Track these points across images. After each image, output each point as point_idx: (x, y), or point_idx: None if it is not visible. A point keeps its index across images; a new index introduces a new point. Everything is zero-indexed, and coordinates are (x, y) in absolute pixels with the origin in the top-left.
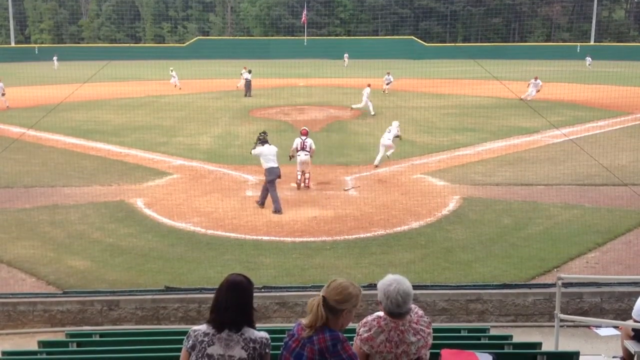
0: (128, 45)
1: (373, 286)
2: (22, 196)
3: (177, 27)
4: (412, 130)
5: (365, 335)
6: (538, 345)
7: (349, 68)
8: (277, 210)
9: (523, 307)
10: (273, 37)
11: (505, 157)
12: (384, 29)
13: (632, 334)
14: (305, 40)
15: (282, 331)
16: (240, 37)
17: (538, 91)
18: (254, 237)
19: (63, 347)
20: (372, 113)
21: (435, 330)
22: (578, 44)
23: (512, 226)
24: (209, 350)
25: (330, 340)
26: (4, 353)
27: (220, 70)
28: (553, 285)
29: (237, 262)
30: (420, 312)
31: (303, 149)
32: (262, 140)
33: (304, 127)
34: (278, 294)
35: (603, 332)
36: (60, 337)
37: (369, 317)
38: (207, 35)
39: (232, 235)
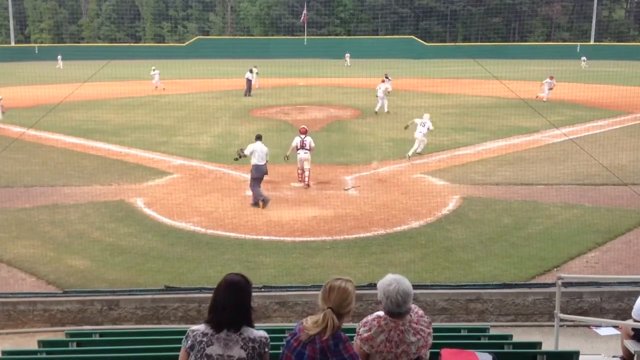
0: (128, 44)
1: (373, 286)
2: (22, 196)
3: (177, 26)
4: (412, 130)
5: (365, 335)
6: (538, 344)
7: (348, 68)
8: (255, 204)
9: (523, 307)
10: (273, 37)
11: (505, 156)
12: (384, 29)
13: (632, 333)
14: (305, 40)
15: (282, 330)
16: (240, 37)
17: (550, 89)
18: (254, 237)
19: (63, 346)
20: (376, 110)
21: (435, 329)
22: (578, 43)
23: (512, 226)
24: (208, 351)
25: (332, 339)
26: (4, 352)
27: (220, 70)
28: (553, 284)
29: (237, 262)
30: (420, 311)
31: (302, 147)
32: (257, 137)
33: (303, 126)
34: (278, 293)
35: (603, 331)
36: (60, 336)
37: (369, 317)
38: (207, 35)
39: (232, 234)
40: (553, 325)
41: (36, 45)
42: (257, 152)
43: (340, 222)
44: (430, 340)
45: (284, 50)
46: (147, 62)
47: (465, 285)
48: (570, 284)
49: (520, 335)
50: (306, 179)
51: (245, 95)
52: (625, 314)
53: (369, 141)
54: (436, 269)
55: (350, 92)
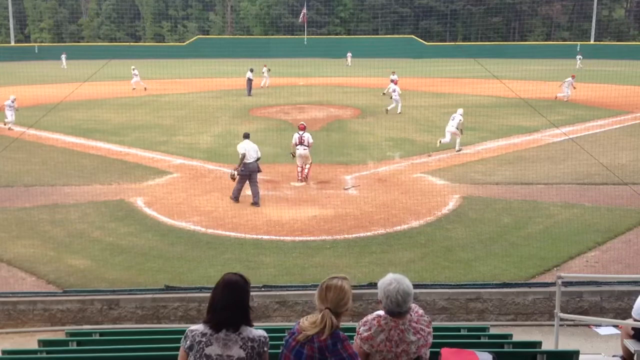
0: (128, 44)
1: (373, 285)
2: (22, 195)
3: (177, 26)
4: (412, 130)
5: (365, 334)
6: (538, 344)
7: (348, 67)
8: (235, 198)
9: (523, 306)
10: (273, 36)
11: (505, 156)
12: (384, 28)
13: (632, 333)
14: (305, 39)
15: (282, 330)
16: (240, 36)
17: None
18: (254, 236)
19: (63, 346)
20: (388, 109)
21: (435, 329)
22: (578, 43)
23: (512, 225)
24: (207, 351)
25: (330, 338)
26: (4, 352)
27: (220, 70)
28: (553, 284)
29: (237, 261)
30: (420, 311)
31: (301, 143)
32: (244, 135)
33: (302, 122)
34: (278, 293)
35: (603, 331)
36: (60, 336)
37: (369, 316)
38: (207, 34)
39: (232, 234)
40: (553, 325)
41: (36, 44)
42: (248, 150)
43: (340, 222)
44: (430, 340)
45: (284, 50)
46: (147, 61)
47: (465, 285)
48: (570, 284)
49: (520, 334)
50: (305, 172)
51: (249, 94)
52: (625, 313)
53: (369, 141)
54: (436, 268)
55: (350, 92)
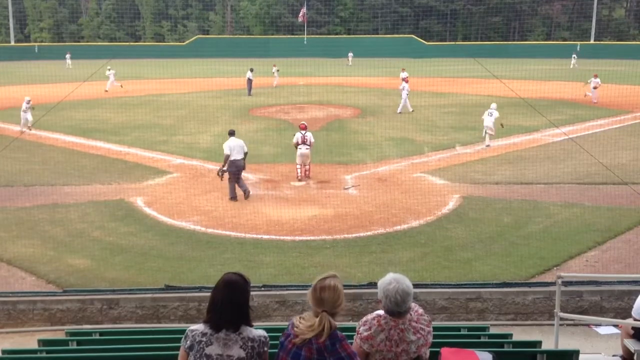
0: (128, 43)
1: (373, 285)
2: (22, 195)
3: (177, 25)
4: (412, 129)
5: (365, 334)
6: (538, 343)
7: (348, 67)
8: (232, 198)
9: (523, 306)
10: (273, 36)
11: (505, 155)
12: (384, 28)
13: (632, 332)
14: (305, 39)
15: (282, 330)
16: (240, 36)
17: (595, 88)
18: (254, 236)
19: (63, 345)
20: (399, 110)
21: (435, 328)
22: (578, 42)
23: (512, 225)
24: (207, 351)
25: (328, 339)
26: (4, 352)
27: (220, 69)
28: (553, 283)
29: (237, 261)
30: (420, 310)
31: (304, 142)
32: (230, 132)
33: (303, 122)
34: (278, 292)
35: (603, 330)
36: (60, 335)
37: (369, 316)
38: (207, 34)
39: (232, 233)
40: (553, 324)
41: (36, 44)
42: (233, 147)
43: (340, 221)
44: (430, 339)
45: (284, 49)
46: (146, 61)
47: (465, 284)
48: (570, 283)
49: (520, 334)
50: (306, 172)
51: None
52: (625, 312)
53: (368, 140)
54: (436, 268)
55: (350, 91)
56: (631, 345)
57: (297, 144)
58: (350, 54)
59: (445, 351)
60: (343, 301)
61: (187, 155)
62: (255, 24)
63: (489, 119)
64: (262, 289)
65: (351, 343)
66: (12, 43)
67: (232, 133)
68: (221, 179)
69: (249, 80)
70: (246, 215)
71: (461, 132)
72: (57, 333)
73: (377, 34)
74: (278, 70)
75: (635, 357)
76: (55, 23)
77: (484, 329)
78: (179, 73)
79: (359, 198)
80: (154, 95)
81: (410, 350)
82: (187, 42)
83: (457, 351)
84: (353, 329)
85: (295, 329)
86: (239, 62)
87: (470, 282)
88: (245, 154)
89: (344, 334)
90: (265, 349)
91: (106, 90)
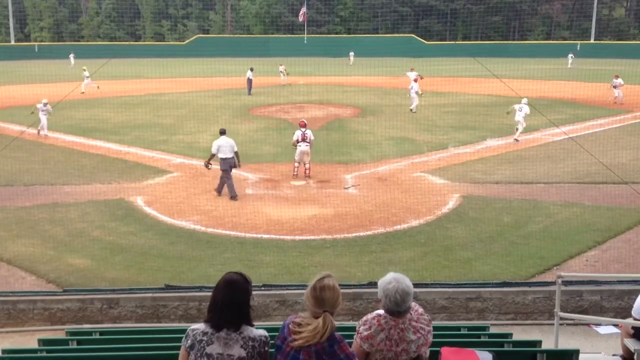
0: (128, 43)
1: (373, 284)
2: (22, 194)
3: (177, 25)
4: (412, 129)
5: (365, 333)
6: (538, 343)
7: (349, 66)
8: (233, 197)
9: (523, 305)
10: (273, 35)
11: (505, 155)
12: (384, 27)
13: (632, 332)
14: (305, 39)
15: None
16: (240, 35)
17: (615, 87)
18: (254, 235)
19: (63, 345)
20: (413, 110)
21: (435, 328)
22: (578, 42)
23: (512, 224)
24: (208, 350)
25: (327, 341)
26: (4, 351)
27: (220, 69)
28: (553, 283)
29: (237, 260)
30: (420, 310)
31: (304, 140)
32: (221, 131)
33: (302, 120)
34: (278, 292)
35: (603, 330)
36: (60, 335)
37: (369, 316)
38: (207, 34)
39: (232, 233)
40: (553, 324)
41: (36, 43)
42: (223, 146)
43: (340, 221)
44: (430, 339)
45: (284, 49)
46: (146, 60)
47: (465, 284)
48: (570, 283)
49: (520, 333)
50: (306, 170)
51: (249, 93)
52: (625, 312)
53: (368, 139)
54: (436, 267)
55: (350, 91)
56: (631, 344)
57: (297, 142)
58: (352, 53)
59: (445, 351)
60: (341, 300)
61: (187, 155)
62: (255, 23)
63: (519, 114)
64: (262, 288)
65: (351, 343)
66: (12, 42)
67: (222, 132)
68: (208, 168)
69: (249, 80)
70: (246, 215)
71: (461, 131)
72: (57, 332)
73: (377, 33)
74: (285, 70)
75: (635, 357)
76: (55, 22)
77: (484, 328)
78: (179, 72)
79: (359, 197)
80: (154, 94)
81: (410, 350)
82: (187, 41)
83: (457, 351)
84: (353, 329)
85: (294, 335)
86: (239, 61)
87: (470, 282)
88: (236, 153)
89: (344, 333)
90: (266, 348)
91: (82, 92)
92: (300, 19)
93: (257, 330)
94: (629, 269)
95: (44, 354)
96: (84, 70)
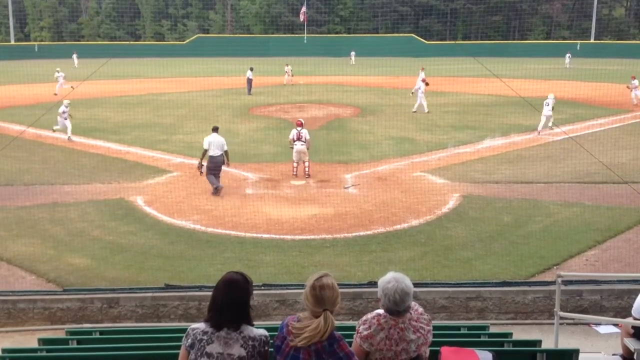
0: (128, 42)
1: (373, 284)
2: (22, 194)
3: (177, 24)
4: (412, 128)
5: (365, 333)
6: (538, 342)
7: (350, 66)
8: (216, 189)
9: (523, 305)
10: (273, 35)
11: (505, 154)
12: (384, 27)
13: (632, 331)
14: (305, 38)
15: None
16: (240, 35)
17: (633, 88)
18: (254, 235)
19: (63, 344)
20: (426, 110)
21: (435, 327)
22: (578, 41)
23: (512, 224)
24: (208, 349)
25: (326, 340)
26: (4, 351)
27: (220, 68)
28: (553, 283)
29: (237, 260)
30: (420, 309)
31: (299, 139)
32: (213, 128)
33: (299, 119)
34: (278, 291)
35: (603, 329)
36: (60, 334)
37: (369, 315)
38: (207, 33)
39: (232, 233)
40: (553, 324)
41: (36, 43)
42: (212, 143)
43: (340, 221)
44: (430, 338)
45: (284, 49)
46: (146, 60)
47: (465, 284)
48: (570, 282)
49: (520, 333)
50: (306, 169)
51: (249, 93)
52: (625, 312)
53: (368, 139)
54: (436, 267)
55: (350, 91)
56: (631, 344)
57: (292, 140)
58: (353, 53)
59: (445, 350)
60: (340, 299)
61: (187, 154)
62: (255, 23)
63: (546, 109)
64: (262, 288)
65: (351, 342)
66: (12, 42)
67: (215, 129)
68: (200, 173)
69: (249, 80)
70: (246, 215)
71: (461, 131)
72: (57, 332)
73: (377, 33)
74: (291, 69)
75: (635, 356)
76: (55, 22)
77: (484, 328)
78: (179, 72)
79: (359, 197)
80: (154, 94)
81: (410, 349)
82: (187, 41)
83: (457, 350)
84: (353, 328)
85: (295, 337)
86: (239, 61)
87: (470, 281)
88: (225, 152)
89: (344, 333)
90: (266, 348)
91: (55, 94)
92: (301, 18)
93: (257, 330)
94: (629, 268)
95: (44, 354)
96: (57, 70)
